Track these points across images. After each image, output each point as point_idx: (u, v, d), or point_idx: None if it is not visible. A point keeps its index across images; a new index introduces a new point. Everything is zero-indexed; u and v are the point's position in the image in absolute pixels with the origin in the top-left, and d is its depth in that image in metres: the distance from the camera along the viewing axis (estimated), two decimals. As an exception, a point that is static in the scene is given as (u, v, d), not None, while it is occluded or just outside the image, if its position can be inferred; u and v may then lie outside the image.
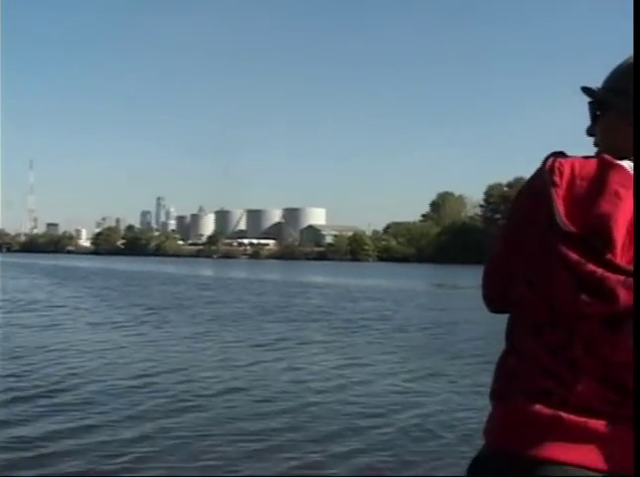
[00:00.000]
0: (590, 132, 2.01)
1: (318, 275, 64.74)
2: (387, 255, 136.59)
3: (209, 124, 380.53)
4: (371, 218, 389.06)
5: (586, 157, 1.83)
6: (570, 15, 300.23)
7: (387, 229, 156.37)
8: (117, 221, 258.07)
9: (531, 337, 1.81)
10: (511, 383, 1.84)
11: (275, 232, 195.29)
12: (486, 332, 17.37)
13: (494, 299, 2.00)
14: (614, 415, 1.73)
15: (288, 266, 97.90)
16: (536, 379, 1.79)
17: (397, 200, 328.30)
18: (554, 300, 1.76)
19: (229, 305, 27.82)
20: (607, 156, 1.80)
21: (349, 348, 16.25)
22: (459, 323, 22.22)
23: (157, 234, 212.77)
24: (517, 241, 1.85)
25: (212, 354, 14.81)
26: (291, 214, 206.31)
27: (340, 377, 12.31)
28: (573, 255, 1.70)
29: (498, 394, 1.88)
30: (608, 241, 1.70)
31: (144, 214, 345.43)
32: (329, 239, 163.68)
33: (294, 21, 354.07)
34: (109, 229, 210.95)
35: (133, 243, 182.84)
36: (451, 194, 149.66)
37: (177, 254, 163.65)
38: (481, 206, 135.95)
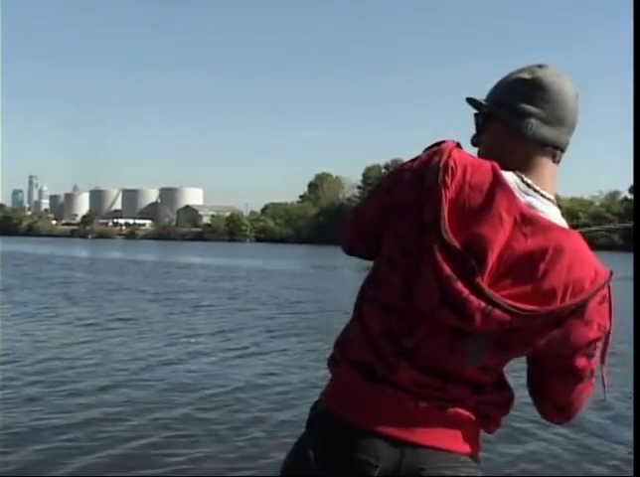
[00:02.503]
0: (475, 142, 2.02)
1: (193, 256, 63.79)
2: (264, 236, 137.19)
3: (81, 101, 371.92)
4: (249, 198, 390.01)
5: (479, 160, 1.87)
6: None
7: (264, 209, 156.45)
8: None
9: (376, 313, 1.90)
10: (345, 349, 1.96)
11: (152, 212, 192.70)
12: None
13: (351, 249, 2.14)
14: (432, 397, 1.85)
15: (164, 247, 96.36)
16: (365, 352, 1.89)
17: (275, 180, 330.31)
18: (412, 295, 1.82)
19: (84, 285, 27.01)
20: (498, 167, 1.84)
21: (207, 327, 15.85)
22: (327, 303, 21.76)
23: (29, 213, 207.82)
24: (389, 218, 1.89)
25: (43, 334, 13.95)
26: (168, 193, 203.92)
27: (189, 357, 11.81)
28: (446, 268, 1.76)
29: (333, 357, 2.00)
30: (481, 263, 1.76)
31: (16, 193, 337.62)
32: (206, 220, 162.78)
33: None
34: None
35: (4, 224, 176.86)
36: (329, 175, 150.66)
37: (50, 235, 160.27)
38: (359, 187, 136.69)
